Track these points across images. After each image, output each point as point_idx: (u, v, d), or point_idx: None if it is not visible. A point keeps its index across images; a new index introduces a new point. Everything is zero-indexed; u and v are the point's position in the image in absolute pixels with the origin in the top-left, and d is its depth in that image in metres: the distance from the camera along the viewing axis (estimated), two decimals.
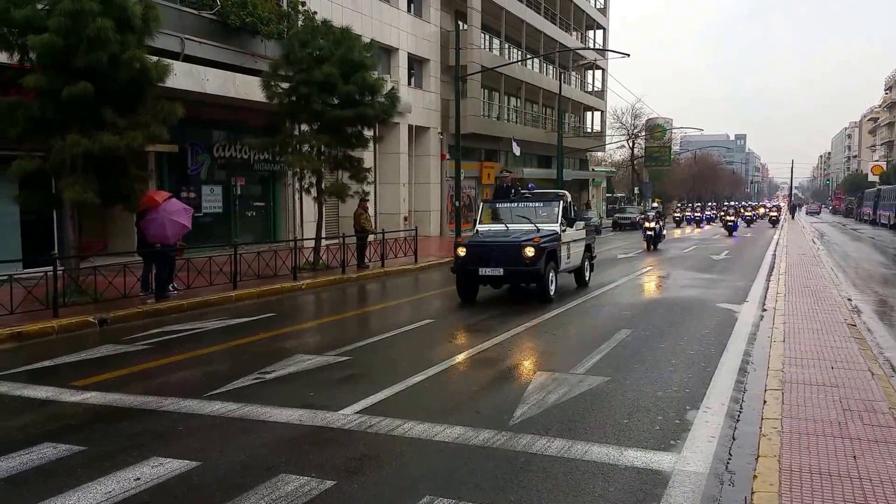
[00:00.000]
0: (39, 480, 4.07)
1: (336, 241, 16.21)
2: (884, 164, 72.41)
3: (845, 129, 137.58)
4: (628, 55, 25.83)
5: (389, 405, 5.52)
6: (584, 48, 42.71)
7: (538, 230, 10.90)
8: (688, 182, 69.87)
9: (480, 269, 10.50)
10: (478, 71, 28.50)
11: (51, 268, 9.22)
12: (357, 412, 5.30)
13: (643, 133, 55.04)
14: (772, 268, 16.59)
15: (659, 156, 55.51)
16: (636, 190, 51.39)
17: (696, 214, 45.55)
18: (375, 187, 22.65)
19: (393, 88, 15.60)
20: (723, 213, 39.55)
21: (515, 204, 12.06)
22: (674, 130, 58.01)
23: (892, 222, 43.79)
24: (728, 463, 4.39)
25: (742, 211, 47.04)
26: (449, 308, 10.43)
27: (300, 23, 16.43)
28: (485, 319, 9.48)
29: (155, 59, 10.43)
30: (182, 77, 13.91)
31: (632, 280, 14.53)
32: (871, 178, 64.07)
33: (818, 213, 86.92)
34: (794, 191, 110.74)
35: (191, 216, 11.20)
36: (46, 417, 5.29)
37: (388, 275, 15.30)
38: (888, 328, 9.59)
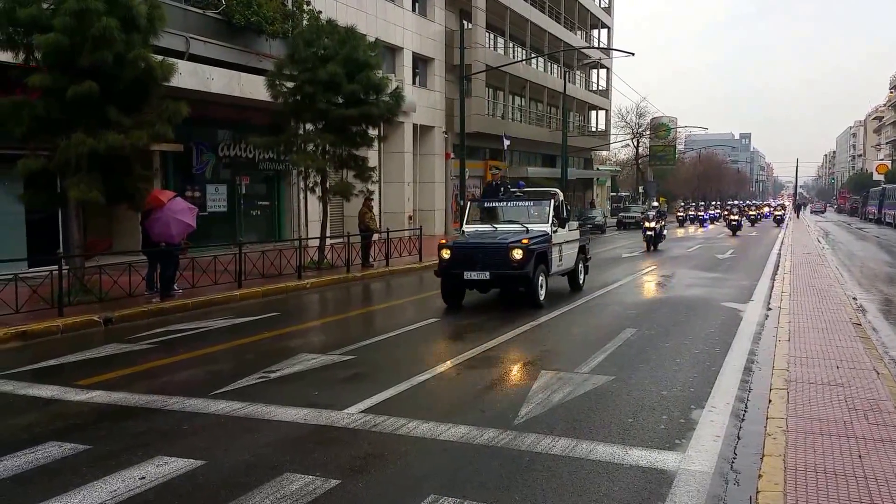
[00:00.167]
0: (44, 479, 4.08)
1: (340, 240, 16.23)
2: (889, 163, 72.09)
3: (850, 127, 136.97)
4: (633, 54, 25.82)
5: (394, 404, 5.52)
6: (588, 47, 42.65)
7: (527, 231, 10.37)
8: (692, 181, 69.66)
9: (465, 273, 9.88)
10: (482, 70, 28.48)
11: (56, 267, 9.25)
12: (361, 411, 5.31)
13: (648, 132, 54.91)
14: (777, 267, 16.53)
15: (663, 155, 55.38)
16: (641, 189, 51.27)
17: (699, 213, 45.28)
18: (380, 186, 22.69)
19: (397, 87, 15.61)
20: (727, 213, 39.11)
21: (504, 203, 11.48)
22: (678, 129, 57.84)
23: None
24: (733, 462, 4.38)
25: (746, 210, 46.75)
26: (454, 307, 10.42)
27: (305, 22, 16.49)
28: (489, 318, 9.47)
29: (160, 58, 10.46)
30: (187, 76, 13.94)
31: (636, 279, 14.50)
32: (877, 176, 63.82)
33: (823, 212, 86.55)
34: (799, 190, 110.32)
35: (195, 215, 11.22)
36: (51, 416, 5.31)
37: (393, 274, 15.31)
38: (893, 327, 9.54)
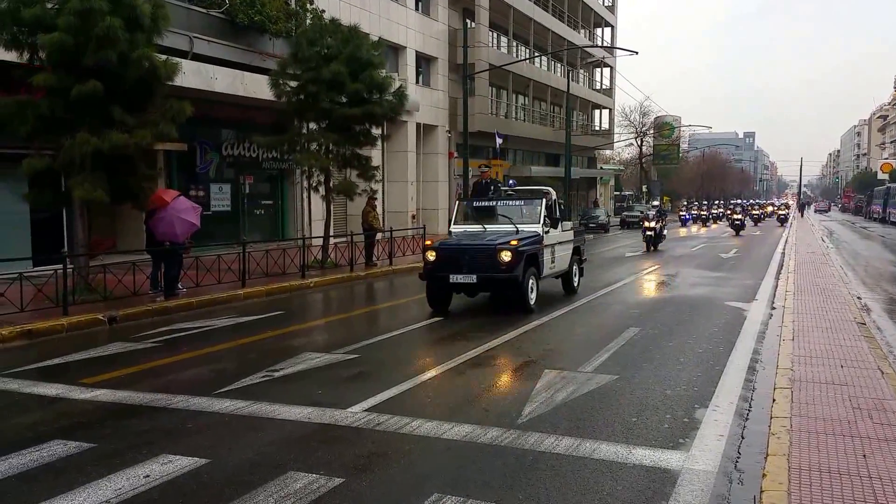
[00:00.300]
0: (50, 477, 4.10)
1: (344, 239, 16.24)
2: (893, 162, 71.66)
3: (854, 126, 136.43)
4: (636, 52, 25.78)
5: (397, 403, 5.53)
6: (592, 46, 42.57)
7: (517, 231, 9.87)
8: (696, 180, 69.49)
9: (451, 276, 9.38)
10: (486, 69, 28.46)
11: (60, 266, 9.28)
12: (365, 410, 5.31)
13: (651, 131, 54.80)
14: (781, 266, 16.48)
15: (667, 154, 55.29)
16: (644, 188, 51.17)
17: (702, 213, 44.94)
18: (383, 185, 22.69)
19: (401, 87, 15.61)
20: (730, 212, 38.68)
21: (494, 203, 10.97)
22: (682, 128, 57.71)
23: None
24: (737, 461, 4.37)
25: (749, 209, 46.52)
26: (457, 306, 10.41)
27: (308, 21, 16.47)
28: (492, 317, 9.47)
29: (164, 57, 10.48)
30: (191, 76, 13.97)
31: (639, 278, 14.48)
32: (881, 175, 63.50)
33: (827, 211, 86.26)
34: (803, 189, 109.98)
35: (199, 214, 11.24)
36: (56, 415, 5.33)
37: (397, 273, 15.32)
38: None
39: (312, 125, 15.20)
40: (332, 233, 15.76)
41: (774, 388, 5.69)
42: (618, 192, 57.26)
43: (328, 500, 3.79)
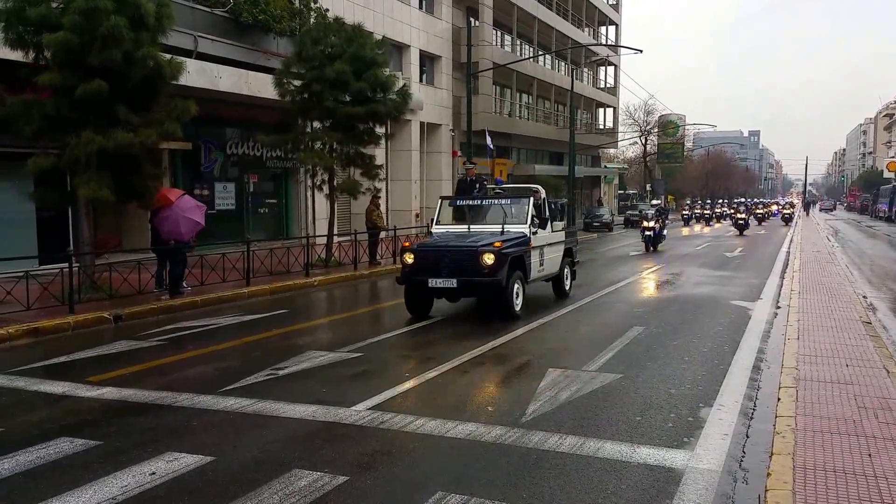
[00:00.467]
0: (56, 474, 4.12)
1: (348, 237, 16.27)
2: None
3: (860, 125, 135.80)
4: (640, 51, 25.74)
5: (401, 401, 5.54)
6: (596, 44, 42.47)
7: (503, 232, 9.33)
8: (701, 179, 69.28)
9: (430, 281, 8.80)
10: (489, 68, 28.42)
11: (66, 264, 9.32)
12: (369, 408, 5.33)
13: (656, 130, 54.65)
14: (786, 265, 16.43)
15: (672, 152, 55.13)
16: (648, 187, 51.06)
17: (705, 212, 44.48)
18: (387, 184, 22.69)
19: (404, 85, 15.61)
20: (733, 211, 38.08)
21: (479, 202, 10.35)
22: (686, 127, 57.54)
23: None
24: (742, 461, 4.37)
25: (753, 208, 46.18)
26: (461, 304, 10.42)
27: (312, 20, 16.50)
28: (496, 316, 9.44)
29: (168, 56, 10.51)
30: (195, 75, 14.01)
31: (643, 277, 14.45)
32: (887, 174, 63.26)
33: (832, 210, 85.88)
34: (808, 187, 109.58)
35: (204, 213, 11.28)
36: (63, 412, 5.36)
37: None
38: None
39: (316, 124, 15.22)
40: (335, 231, 15.78)
41: (779, 388, 5.68)
42: (622, 191, 57.15)
43: (332, 497, 3.80)
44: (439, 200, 10.74)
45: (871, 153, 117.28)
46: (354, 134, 14.91)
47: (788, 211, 45.57)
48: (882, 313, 10.46)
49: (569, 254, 11.35)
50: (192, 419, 5.15)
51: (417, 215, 25.67)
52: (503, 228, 9.47)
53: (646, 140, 54.49)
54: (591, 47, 41.13)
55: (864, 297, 11.76)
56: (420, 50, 26.28)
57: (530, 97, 36.85)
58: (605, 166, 53.01)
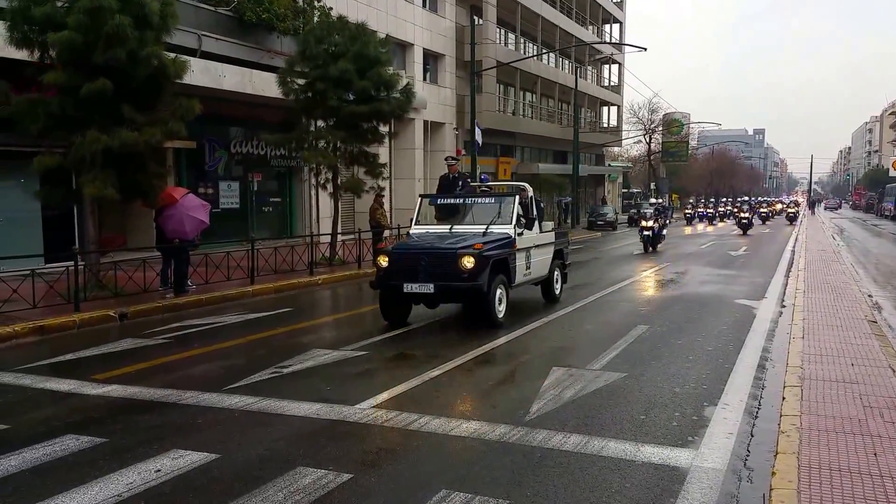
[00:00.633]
0: (63, 471, 4.15)
1: (352, 236, 16.28)
2: None
3: (866, 123, 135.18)
4: (645, 49, 25.65)
5: (405, 400, 5.55)
6: (600, 42, 42.38)
7: (485, 233, 8.73)
8: (705, 178, 69.06)
9: (405, 285, 8.21)
10: (493, 66, 28.41)
11: (72, 263, 9.36)
12: (373, 406, 5.34)
13: (660, 128, 54.50)
14: (791, 264, 16.38)
15: (676, 151, 54.97)
16: (653, 185, 50.95)
17: (708, 211, 43.76)
18: (391, 183, 22.70)
19: (408, 84, 15.60)
20: (736, 210, 37.22)
21: (460, 200, 9.72)
22: (691, 125, 57.37)
23: None
24: (746, 460, 4.36)
25: (757, 207, 45.67)
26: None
27: (316, 18, 16.50)
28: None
29: (173, 55, 10.53)
30: (199, 74, 14.03)
31: (648, 275, 14.43)
32: (893, 173, 62.84)
33: (837, 209, 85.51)
34: (813, 186, 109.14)
35: (209, 212, 11.31)
36: (69, 410, 5.38)
37: None
38: None
39: (320, 123, 15.24)
40: (339, 230, 15.80)
41: (784, 386, 5.66)
42: (626, 190, 57.05)
43: (337, 495, 3.81)
44: (419, 199, 10.03)
45: (876, 151, 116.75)
46: (358, 133, 14.91)
47: (793, 210, 45.13)
48: (888, 312, 10.42)
49: (559, 256, 10.69)
50: (197, 417, 5.16)
51: None
52: (486, 229, 8.84)
53: (650, 138, 54.33)
54: (595, 45, 41.04)
55: (870, 295, 11.72)
56: (423, 48, 26.27)
57: (534, 96, 36.80)
58: (610, 165, 52.91)
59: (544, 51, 35.99)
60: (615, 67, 48.92)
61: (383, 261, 8.57)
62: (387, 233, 16.71)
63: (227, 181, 18.01)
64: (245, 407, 5.35)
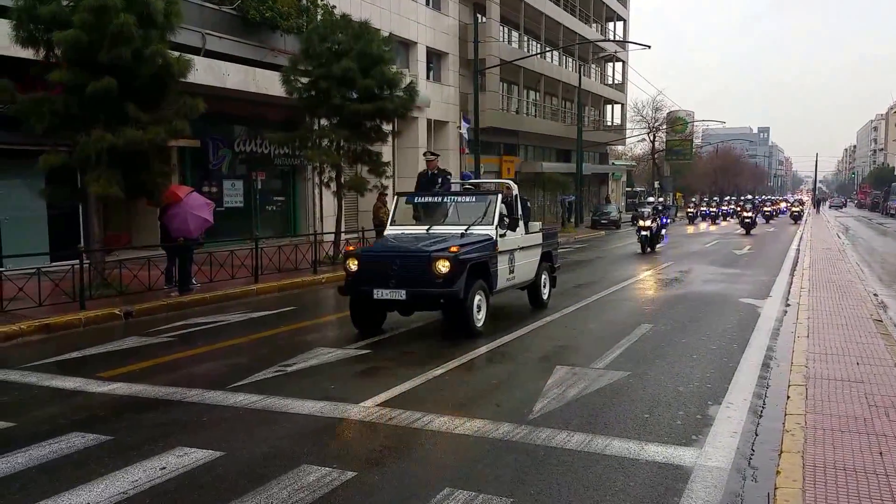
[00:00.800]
0: (69, 468, 4.17)
1: (355, 234, 16.30)
2: None
3: (871, 121, 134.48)
4: (649, 46, 25.58)
5: (409, 398, 5.55)
6: (603, 40, 42.28)
7: (463, 235, 8.14)
8: (710, 176, 68.86)
9: (375, 291, 7.60)
10: (497, 64, 28.37)
11: (77, 261, 9.40)
12: (377, 405, 5.34)
13: (664, 126, 54.36)
14: (795, 262, 16.33)
15: (680, 149, 54.79)
16: (657, 184, 50.85)
17: (711, 210, 42.90)
18: (394, 181, 22.69)
19: (411, 82, 15.61)
20: (739, 209, 36.01)
21: (439, 199, 9.09)
22: (695, 123, 57.20)
23: None
24: (751, 458, 4.35)
25: (761, 206, 44.95)
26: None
27: (319, 17, 16.50)
28: (503, 313, 9.45)
29: (177, 54, 10.56)
30: (203, 72, 14.05)
31: (652, 275, 14.40)
32: None
33: (842, 207, 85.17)
34: (818, 185, 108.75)
35: (212, 210, 11.33)
36: (74, 407, 5.41)
37: None
38: None
39: (324, 121, 15.25)
40: (343, 228, 15.81)
41: (789, 385, 5.65)
42: (629, 189, 56.94)
43: (341, 492, 3.82)
44: (395, 197, 9.47)
45: (882, 149, 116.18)
46: (361, 131, 14.92)
47: (798, 209, 44.24)
48: (893, 311, 10.38)
49: (547, 258, 10.00)
50: (201, 415, 5.18)
51: None
52: (467, 229, 8.28)
53: (654, 137, 54.19)
54: (599, 43, 40.94)
55: (875, 294, 11.68)
56: (427, 47, 26.25)
57: (538, 94, 36.74)
58: (613, 163, 52.82)
59: (548, 49, 35.92)
60: (619, 65, 48.80)
61: (352, 264, 7.91)
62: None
63: (230, 180, 18.04)
64: (249, 405, 5.37)
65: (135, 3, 9.63)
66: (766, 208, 44.21)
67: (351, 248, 8.34)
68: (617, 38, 46.40)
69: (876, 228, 37.64)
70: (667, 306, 10.17)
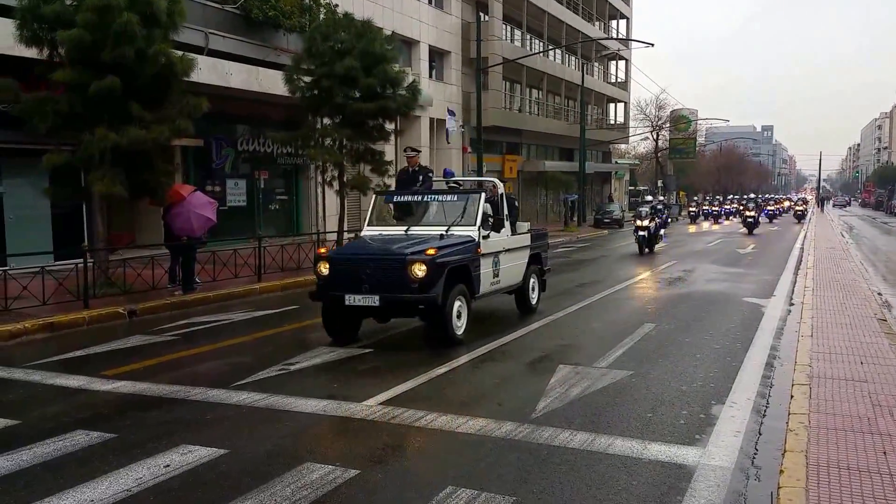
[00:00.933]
0: (73, 466, 4.18)
1: (357, 233, 16.28)
2: None
3: (875, 119, 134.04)
4: (652, 45, 25.54)
5: (412, 397, 5.56)
6: (606, 38, 42.20)
7: (442, 237, 7.59)
8: (713, 175, 68.68)
9: (347, 297, 7.09)
10: (499, 63, 28.34)
11: (81, 260, 9.42)
12: (380, 403, 5.35)
13: (667, 125, 54.24)
14: (799, 262, 16.29)
15: (684, 148, 54.68)
16: (660, 183, 50.74)
17: (713, 209, 42.47)
18: (396, 180, 22.67)
19: (414, 81, 15.60)
20: (742, 208, 35.37)
21: (418, 198, 8.55)
22: (699, 122, 57.07)
23: None
24: (754, 458, 4.35)
25: (764, 205, 44.54)
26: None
27: (322, 16, 16.51)
28: (506, 311, 9.45)
29: (180, 53, 10.57)
30: (206, 71, 14.07)
31: (655, 274, 14.38)
32: None
33: (846, 206, 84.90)
34: (822, 183, 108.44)
35: (216, 209, 11.35)
36: (78, 405, 5.43)
37: None
38: None
39: (326, 120, 15.25)
40: (346, 227, 15.82)
41: (792, 385, 5.64)
42: (632, 187, 56.82)
43: (344, 490, 3.82)
44: (373, 196, 9.06)
45: (886, 148, 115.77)
46: (364, 130, 14.91)
47: (801, 207, 43.66)
48: None
49: (536, 261, 9.48)
50: (205, 413, 5.20)
51: None
52: (447, 230, 7.75)
53: (657, 135, 54.08)
54: (602, 41, 40.85)
55: (879, 293, 11.64)
56: (429, 45, 26.24)
57: (540, 92, 36.70)
58: (616, 162, 52.73)
59: (550, 47, 35.87)
60: (622, 63, 48.70)
61: (323, 268, 7.37)
62: None
63: (233, 179, 18.06)
64: (253, 403, 5.38)
65: (138, 2, 9.64)
66: (769, 207, 43.76)
67: (323, 250, 7.84)
68: (620, 36, 46.31)
69: (880, 227, 37.53)
70: (670, 305, 10.15)
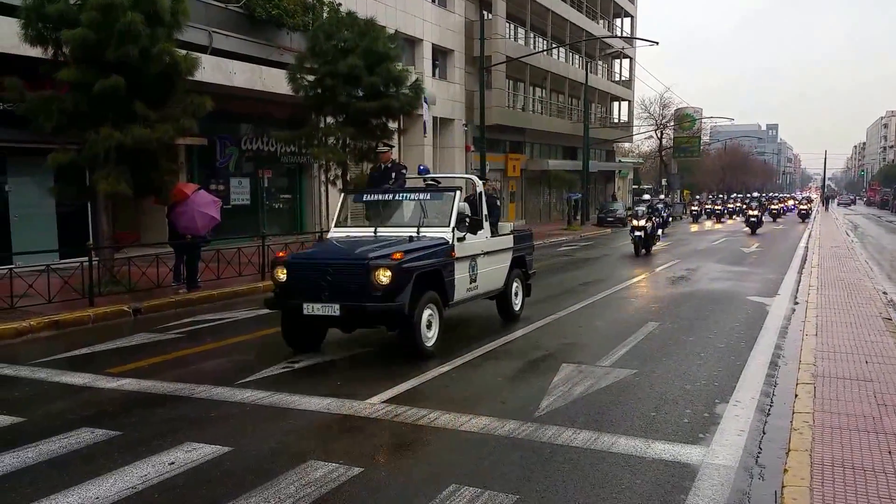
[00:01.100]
0: (78, 463, 4.20)
1: None
2: None
3: (881, 118, 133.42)
4: (656, 43, 25.48)
5: (415, 395, 5.57)
6: (611, 36, 42.10)
7: (411, 239, 7.01)
8: (718, 173, 68.52)
9: (306, 306, 6.47)
10: (503, 61, 28.30)
11: (86, 258, 9.46)
12: (384, 401, 5.36)
13: (672, 123, 54.10)
14: (804, 260, 16.24)
15: (688, 146, 54.53)
16: (664, 181, 50.62)
17: (716, 208, 42.06)
18: None
19: (417, 80, 15.59)
20: (745, 207, 34.83)
21: (389, 196, 7.93)
22: (703, 120, 56.89)
23: None
24: (758, 457, 4.34)
25: (767, 204, 44.14)
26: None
27: (325, 14, 16.52)
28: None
29: (184, 52, 10.59)
30: (210, 70, 14.10)
31: (658, 273, 14.36)
32: None
33: (850, 205, 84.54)
34: (827, 182, 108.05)
35: (219, 208, 11.37)
36: (84, 403, 5.45)
37: None
38: None
39: (330, 119, 15.27)
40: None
41: (797, 384, 5.62)
42: (636, 186, 56.69)
43: (347, 488, 3.84)
44: (341, 196, 8.44)
45: (892, 147, 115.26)
46: (367, 129, 14.92)
47: (806, 206, 43.02)
48: None
49: (519, 264, 8.85)
50: (209, 410, 5.21)
51: None
52: (417, 232, 7.16)
53: (661, 134, 53.94)
54: (606, 40, 40.76)
55: (884, 292, 11.59)
56: (432, 44, 26.21)
57: (544, 91, 36.63)
58: (620, 161, 52.61)
59: (554, 45, 35.80)
60: (626, 62, 48.58)
61: (281, 273, 6.74)
62: None
63: (237, 178, 18.10)
64: (257, 401, 5.40)
65: (142, 1, 9.66)
66: (773, 206, 43.29)
67: (281, 253, 7.25)
68: (624, 35, 46.20)
69: (885, 226, 37.38)
70: (673, 304, 10.14)
